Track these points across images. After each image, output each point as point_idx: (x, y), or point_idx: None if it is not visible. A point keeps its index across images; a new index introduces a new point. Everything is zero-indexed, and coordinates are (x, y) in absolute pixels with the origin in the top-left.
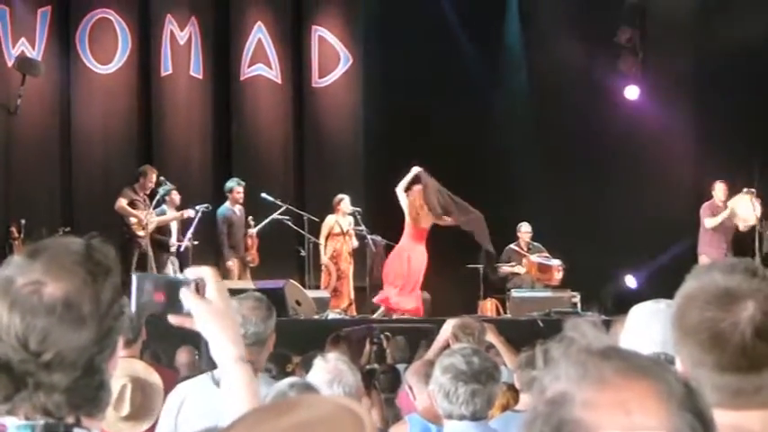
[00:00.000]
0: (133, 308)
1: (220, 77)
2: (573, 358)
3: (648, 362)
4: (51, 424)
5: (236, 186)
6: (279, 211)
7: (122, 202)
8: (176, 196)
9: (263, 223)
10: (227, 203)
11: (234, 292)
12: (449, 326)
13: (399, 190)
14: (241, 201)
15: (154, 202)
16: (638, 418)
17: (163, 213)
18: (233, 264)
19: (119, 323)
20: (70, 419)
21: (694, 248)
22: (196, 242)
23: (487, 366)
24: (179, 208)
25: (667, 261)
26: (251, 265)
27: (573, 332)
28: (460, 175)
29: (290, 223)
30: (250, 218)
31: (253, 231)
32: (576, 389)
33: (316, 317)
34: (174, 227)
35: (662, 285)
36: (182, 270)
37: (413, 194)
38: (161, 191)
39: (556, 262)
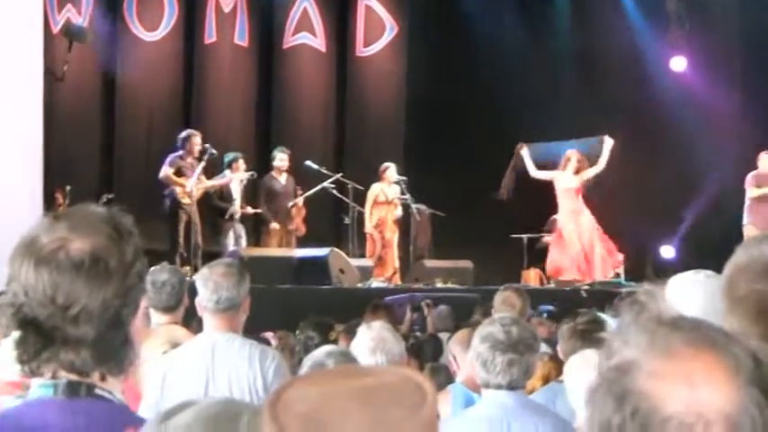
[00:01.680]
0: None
1: (264, 45)
2: (643, 325)
3: (717, 333)
4: (74, 382)
5: (278, 154)
6: (329, 181)
7: (168, 171)
8: (242, 164)
9: (310, 192)
10: (273, 172)
11: (273, 260)
12: None
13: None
14: (284, 169)
15: (199, 168)
16: (704, 393)
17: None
18: (274, 232)
19: (141, 283)
20: (95, 376)
21: (739, 219)
22: (259, 210)
23: (526, 336)
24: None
25: (699, 224)
26: (296, 234)
27: (646, 299)
28: (504, 152)
29: (335, 191)
30: (298, 188)
31: (299, 201)
32: (642, 357)
33: (359, 285)
34: (236, 193)
35: (703, 256)
36: (244, 238)
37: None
38: (226, 159)
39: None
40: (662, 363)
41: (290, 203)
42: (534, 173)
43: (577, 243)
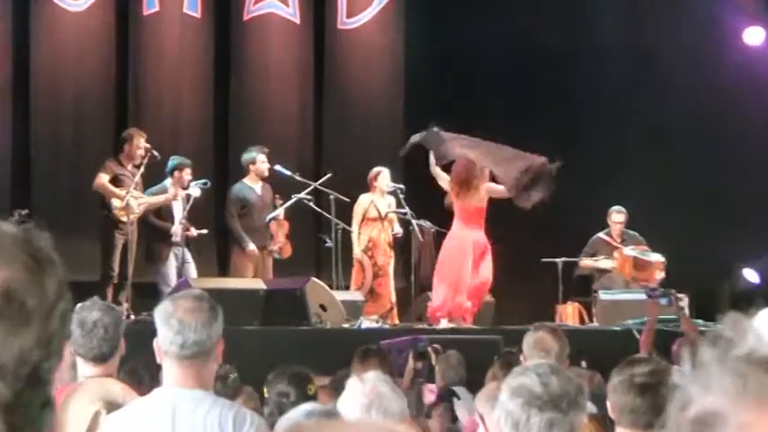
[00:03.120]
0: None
1: (221, 16)
2: (730, 366)
3: None
4: None
5: (258, 156)
6: (306, 191)
7: (103, 179)
8: (187, 173)
9: (284, 206)
10: (247, 179)
11: (233, 294)
12: None
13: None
14: (266, 175)
15: (137, 176)
16: None
17: (164, 191)
18: (249, 256)
19: (66, 326)
20: None
21: None
22: (205, 231)
23: (570, 390)
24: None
25: None
26: (277, 256)
27: (731, 332)
28: (531, 146)
29: (312, 205)
30: (277, 197)
31: (278, 213)
32: (731, 407)
33: (346, 326)
34: (177, 210)
35: None
36: (192, 264)
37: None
38: (170, 163)
39: (656, 256)
40: (756, 413)
41: (268, 217)
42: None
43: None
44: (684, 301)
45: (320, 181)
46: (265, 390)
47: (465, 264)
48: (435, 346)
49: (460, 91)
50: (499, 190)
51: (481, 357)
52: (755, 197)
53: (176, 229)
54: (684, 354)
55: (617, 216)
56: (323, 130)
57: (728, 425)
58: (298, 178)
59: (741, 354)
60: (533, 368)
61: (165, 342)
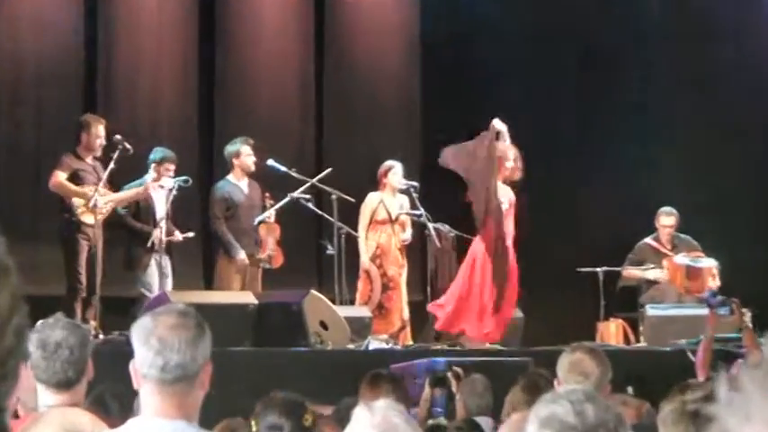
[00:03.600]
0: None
1: None
2: None
3: None
4: None
5: (242, 148)
6: (301, 189)
7: (60, 177)
8: (170, 171)
9: (276, 206)
10: (231, 176)
11: (219, 310)
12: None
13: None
14: (251, 169)
15: (107, 172)
16: None
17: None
18: (238, 266)
19: (22, 345)
20: None
21: None
22: (191, 234)
23: (608, 419)
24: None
25: None
26: (266, 266)
27: None
28: (562, 137)
29: (311, 205)
30: (267, 196)
31: (268, 215)
32: None
33: (351, 346)
34: (161, 209)
35: None
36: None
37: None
38: (152, 156)
39: (708, 262)
40: None
41: (256, 220)
42: None
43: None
44: (748, 317)
45: (319, 177)
46: (253, 422)
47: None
48: (456, 369)
49: (482, 74)
50: None
51: (508, 383)
52: None
53: (156, 234)
54: (722, 379)
55: (666, 219)
56: (325, 118)
57: None
58: (294, 175)
59: None
60: (566, 395)
61: (144, 364)
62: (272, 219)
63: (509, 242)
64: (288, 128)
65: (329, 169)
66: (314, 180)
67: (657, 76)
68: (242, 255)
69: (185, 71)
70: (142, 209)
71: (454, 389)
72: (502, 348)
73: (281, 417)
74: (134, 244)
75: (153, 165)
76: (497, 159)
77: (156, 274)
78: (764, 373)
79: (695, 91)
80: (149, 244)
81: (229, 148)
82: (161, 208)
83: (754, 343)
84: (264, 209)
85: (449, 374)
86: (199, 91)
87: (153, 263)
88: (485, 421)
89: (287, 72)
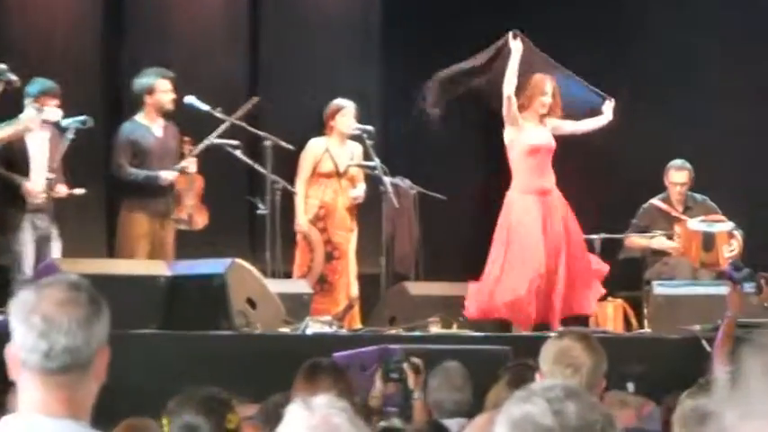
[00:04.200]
0: None
1: None
2: None
3: None
4: None
5: (157, 82)
6: (218, 131)
7: None
8: (54, 106)
9: (194, 152)
10: (141, 116)
11: (124, 282)
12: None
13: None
14: (169, 107)
15: None
16: None
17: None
18: (144, 226)
19: None
20: None
21: None
22: (81, 190)
23: (593, 421)
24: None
25: None
26: (185, 227)
27: None
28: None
29: (238, 153)
30: (187, 141)
31: (187, 164)
32: None
33: (285, 329)
34: (40, 155)
35: None
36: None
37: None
38: (29, 89)
39: (728, 225)
40: None
41: (176, 168)
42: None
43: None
44: None
45: (242, 111)
46: (165, 422)
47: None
48: (414, 360)
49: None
50: None
51: (483, 377)
52: None
53: (34, 186)
54: (719, 371)
55: (677, 175)
56: (260, 43)
57: None
58: (218, 115)
59: None
60: (542, 391)
61: (24, 348)
62: (193, 169)
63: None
64: (211, 57)
65: (255, 98)
66: (233, 118)
67: None
68: (165, 175)
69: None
70: (17, 155)
71: (411, 384)
72: (474, 335)
73: (198, 415)
74: (2, 200)
75: (30, 99)
76: (529, 93)
77: (32, 240)
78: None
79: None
80: (29, 199)
81: (141, 82)
82: (40, 155)
83: None
84: (182, 157)
85: (405, 366)
86: (104, 12)
87: (28, 225)
88: (456, 424)
89: None
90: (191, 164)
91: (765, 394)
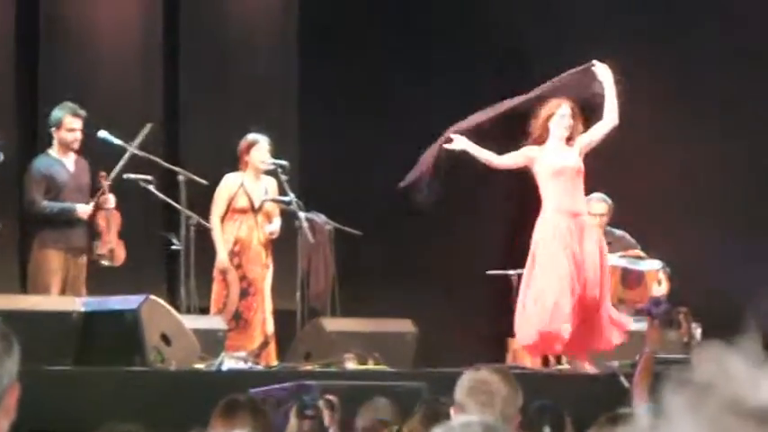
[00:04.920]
0: None
1: None
2: (708, 417)
3: None
4: None
5: (66, 117)
6: (124, 157)
7: None
8: None
9: (103, 190)
10: (52, 150)
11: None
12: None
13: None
14: (73, 147)
15: None
16: None
17: None
18: (58, 261)
19: None
20: None
21: None
22: None
23: None
24: None
25: None
26: (108, 263)
27: (709, 370)
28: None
29: (152, 188)
30: (103, 176)
31: (105, 200)
32: None
33: (200, 366)
34: None
35: None
36: None
37: None
38: None
39: (651, 264)
40: None
41: (89, 205)
42: (497, 160)
43: (569, 284)
44: (697, 333)
45: (139, 139)
46: None
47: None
48: (330, 398)
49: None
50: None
51: (395, 412)
52: None
53: None
54: (637, 407)
55: (597, 206)
56: (177, 78)
57: None
58: (133, 150)
59: (724, 402)
60: (460, 428)
61: None
62: (112, 204)
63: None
64: (124, 90)
65: (149, 125)
66: (133, 147)
67: None
68: (82, 209)
69: None
70: None
71: (327, 421)
72: (388, 370)
73: None
74: None
75: None
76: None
77: None
78: (696, 394)
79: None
80: None
81: (53, 115)
82: None
83: None
84: (98, 191)
85: (320, 403)
86: (17, 41)
87: None
88: None
89: (128, 26)
90: (109, 199)
91: (695, 425)
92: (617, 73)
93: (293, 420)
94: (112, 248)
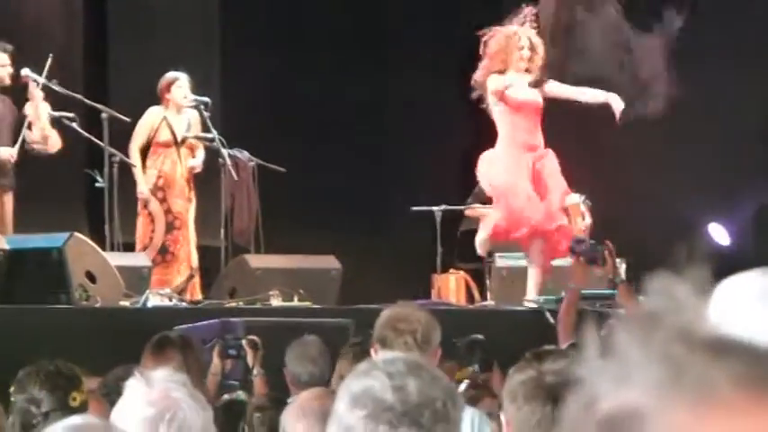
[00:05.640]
0: None
1: None
2: (658, 350)
3: None
4: None
5: None
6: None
7: None
8: None
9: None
10: None
11: None
12: None
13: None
14: (6, 83)
15: None
16: None
17: None
18: None
19: None
20: None
21: None
22: None
23: (435, 397)
24: None
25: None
26: (42, 148)
27: (659, 298)
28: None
29: (74, 125)
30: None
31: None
32: (657, 404)
33: (125, 303)
34: None
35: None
36: None
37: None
38: None
39: (575, 198)
40: (693, 414)
41: (14, 147)
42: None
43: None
44: (621, 269)
45: (45, 72)
46: (11, 396)
47: None
48: (252, 338)
49: None
50: None
51: (324, 350)
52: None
53: None
54: (587, 334)
55: None
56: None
57: (652, 428)
58: (55, 88)
59: (674, 333)
60: (383, 365)
61: None
62: (39, 97)
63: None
64: (47, 23)
65: (51, 55)
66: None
67: None
68: (3, 151)
69: None
70: None
71: (250, 360)
72: (313, 307)
73: (42, 388)
74: None
75: None
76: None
77: None
78: (645, 326)
79: None
80: None
81: None
82: None
83: (631, 297)
84: (18, 131)
85: (243, 343)
86: None
87: None
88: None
89: None
90: (35, 95)
91: (644, 359)
92: None
93: (216, 360)
94: (46, 135)
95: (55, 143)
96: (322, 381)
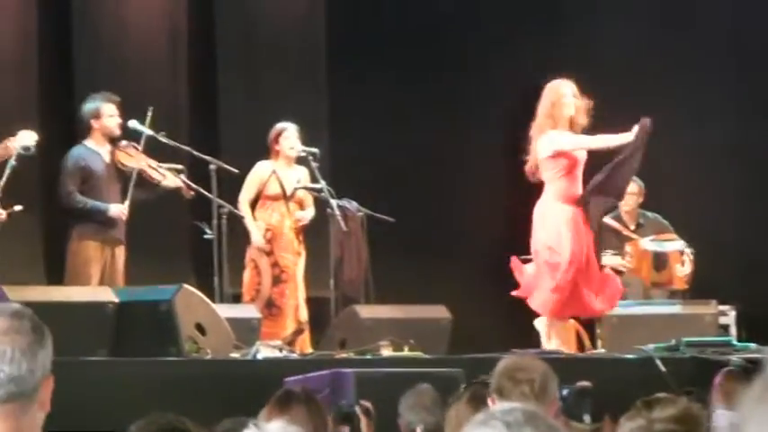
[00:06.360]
0: None
1: None
2: None
3: None
4: None
5: (103, 106)
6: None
7: None
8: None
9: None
10: (89, 141)
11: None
12: None
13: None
14: (116, 132)
15: None
16: None
17: None
18: (93, 251)
19: None
20: None
21: None
22: (19, 207)
23: None
24: None
25: None
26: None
27: None
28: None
29: (183, 177)
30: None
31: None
32: None
33: (235, 355)
34: None
35: None
36: None
37: None
38: None
39: (675, 245)
40: None
41: (124, 204)
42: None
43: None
44: (731, 315)
45: (147, 123)
46: None
47: None
48: (365, 404)
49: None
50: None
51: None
52: None
53: None
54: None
55: (630, 190)
56: (215, 63)
57: None
58: (162, 140)
59: None
60: (500, 415)
61: None
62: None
63: None
64: (155, 80)
65: (151, 108)
66: (161, 135)
67: None
68: (114, 209)
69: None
70: None
71: (364, 428)
72: (426, 357)
73: None
74: None
75: None
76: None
77: None
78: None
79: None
80: None
81: (88, 107)
82: None
83: None
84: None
85: (357, 409)
86: (42, 29)
87: None
88: None
89: (155, 16)
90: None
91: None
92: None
93: (331, 426)
94: (163, 173)
95: (172, 180)
96: (437, 429)
